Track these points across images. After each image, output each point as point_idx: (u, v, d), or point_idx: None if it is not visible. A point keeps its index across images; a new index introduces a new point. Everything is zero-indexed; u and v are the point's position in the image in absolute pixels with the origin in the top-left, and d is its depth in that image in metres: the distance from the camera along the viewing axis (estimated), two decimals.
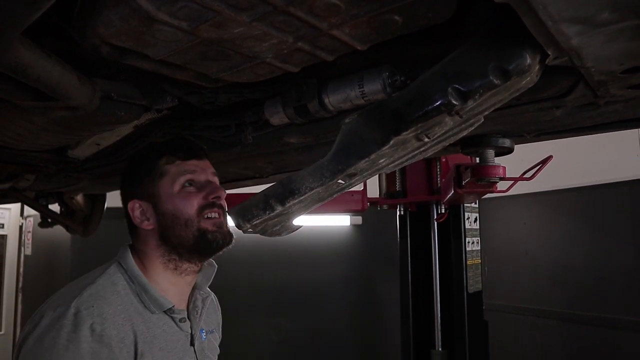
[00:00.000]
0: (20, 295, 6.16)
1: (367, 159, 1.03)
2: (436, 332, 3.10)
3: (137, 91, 1.35)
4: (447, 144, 1.20)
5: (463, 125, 1.12)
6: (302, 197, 1.06)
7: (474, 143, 1.66)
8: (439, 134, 1.09)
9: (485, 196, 3.05)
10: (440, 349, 3.10)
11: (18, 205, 5.95)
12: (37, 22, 0.84)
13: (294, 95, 1.31)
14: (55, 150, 1.80)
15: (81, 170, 2.14)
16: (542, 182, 4.10)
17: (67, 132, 1.42)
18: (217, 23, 0.83)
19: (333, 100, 1.27)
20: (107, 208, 3.37)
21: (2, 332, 6.00)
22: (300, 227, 1.30)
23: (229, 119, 1.54)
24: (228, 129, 1.58)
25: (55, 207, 3.32)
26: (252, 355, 5.22)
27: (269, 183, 1.87)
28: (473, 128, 1.16)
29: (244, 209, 1.09)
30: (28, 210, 6.04)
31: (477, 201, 3.11)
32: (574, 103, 1.29)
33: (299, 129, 1.46)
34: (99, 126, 1.40)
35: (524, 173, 2.11)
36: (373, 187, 3.18)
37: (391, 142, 1.02)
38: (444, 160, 2.95)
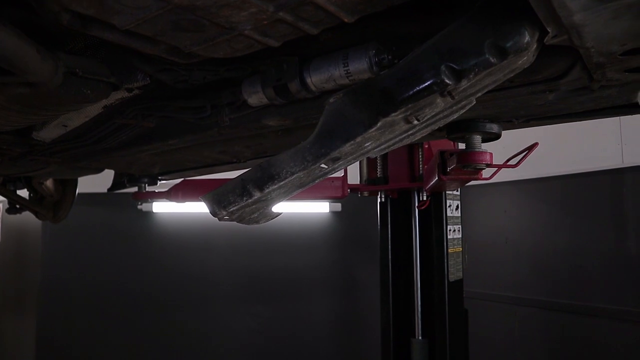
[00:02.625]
0: None
1: (352, 142, 0.96)
2: (416, 320, 3.07)
3: (105, 68, 1.25)
4: (436, 128, 1.14)
5: (454, 107, 1.06)
6: (282, 183, 0.99)
7: (460, 128, 1.60)
8: (429, 116, 1.03)
9: (467, 184, 3.01)
10: (420, 337, 3.07)
11: None
12: None
13: (273, 74, 1.23)
14: (18, 131, 1.69)
15: (48, 154, 2.03)
16: (523, 170, 4.07)
17: (28, 111, 1.32)
18: None
19: (315, 79, 1.19)
20: (78, 193, 3.26)
21: None
22: (280, 214, 1.22)
23: (205, 100, 1.45)
24: (203, 110, 1.49)
25: (24, 193, 3.20)
26: (230, 342, 5.16)
27: (247, 168, 1.79)
28: (464, 111, 1.09)
29: (220, 195, 1.01)
30: None
31: (459, 189, 3.06)
32: (568, 86, 1.24)
33: (278, 110, 1.38)
34: (64, 105, 1.30)
35: (508, 160, 2.06)
36: (353, 174, 3.12)
37: (379, 124, 0.95)
38: (426, 146, 2.89)
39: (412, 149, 2.97)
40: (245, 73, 1.27)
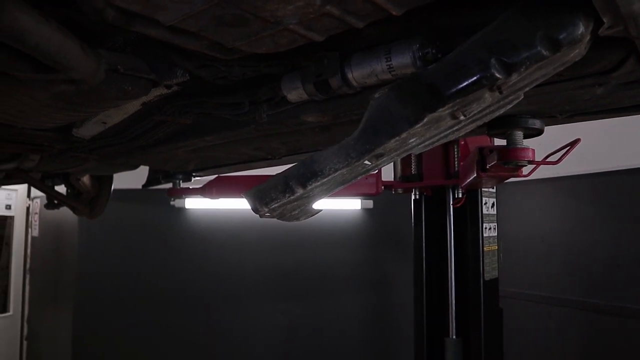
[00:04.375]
0: (27, 276, 6.15)
1: (397, 137, 0.94)
2: (450, 319, 3.03)
3: (145, 64, 1.25)
4: (481, 124, 1.11)
5: (501, 102, 1.02)
6: (325, 179, 0.97)
7: (502, 124, 1.56)
8: (475, 112, 0.99)
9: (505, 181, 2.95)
10: (454, 337, 3.03)
11: (25, 186, 5.90)
12: None
13: (314, 70, 1.21)
14: (59, 128, 1.71)
15: (87, 151, 2.05)
16: (560, 168, 3.98)
17: (70, 108, 1.33)
18: None
19: (357, 74, 1.17)
20: (114, 189, 3.31)
21: (10, 313, 6.00)
22: (320, 211, 1.21)
23: (243, 96, 1.44)
24: (241, 106, 1.48)
25: (62, 189, 3.26)
26: (260, 339, 5.18)
27: (282, 165, 1.78)
28: (511, 106, 1.06)
29: (262, 191, 1.00)
30: (35, 191, 5.99)
31: (495, 186, 3.01)
32: (619, 80, 1.19)
33: (318, 106, 1.36)
34: (104, 102, 1.31)
35: (547, 156, 2.01)
36: (387, 170, 3.09)
37: (425, 120, 0.92)
38: (462, 142, 2.85)
39: (447, 145, 2.92)
40: (285, 69, 1.26)
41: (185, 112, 1.60)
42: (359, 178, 1.11)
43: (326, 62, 1.19)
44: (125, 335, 5.08)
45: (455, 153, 2.89)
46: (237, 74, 1.25)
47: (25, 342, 6.05)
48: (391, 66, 1.12)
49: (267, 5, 0.81)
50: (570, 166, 3.87)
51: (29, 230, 6.20)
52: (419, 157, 3.00)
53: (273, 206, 1.01)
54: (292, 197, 1.00)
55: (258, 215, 1.09)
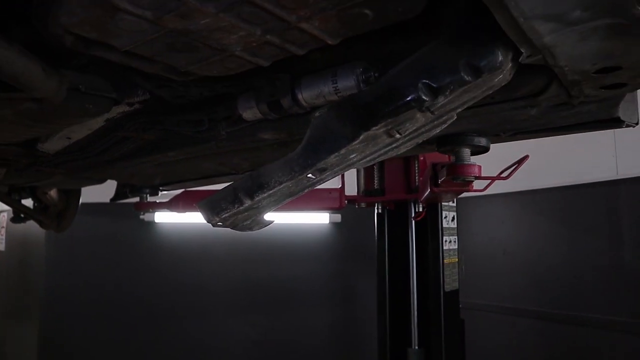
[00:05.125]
0: None
1: (337, 153, 1.02)
2: (413, 330, 3.11)
3: (106, 84, 1.31)
4: (420, 141, 1.19)
5: (435, 122, 1.11)
6: (271, 191, 1.05)
7: (449, 141, 1.66)
8: (410, 130, 1.08)
9: (464, 195, 3.06)
10: (416, 347, 3.11)
11: None
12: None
13: (267, 91, 1.29)
14: (24, 143, 1.75)
15: (52, 165, 2.09)
16: (520, 182, 4.14)
17: (33, 125, 1.38)
18: (183, 13, 0.81)
19: (306, 96, 1.25)
20: (82, 203, 3.32)
21: None
22: (272, 222, 1.28)
23: (202, 114, 1.51)
24: (201, 124, 1.55)
25: (29, 202, 3.26)
26: (229, 351, 5.19)
27: None
28: (446, 125, 1.15)
29: (213, 202, 1.07)
30: (1, 205, 5.91)
31: (455, 200, 3.12)
32: (548, 102, 1.29)
33: (272, 124, 1.44)
34: (67, 119, 1.37)
35: (501, 172, 2.11)
36: (351, 185, 3.18)
37: (361, 137, 1.00)
38: (421, 158, 2.95)
39: (408, 161, 3.03)
40: (241, 89, 1.33)
41: (148, 128, 1.66)
42: (306, 190, 1.18)
43: (278, 83, 1.27)
44: (92, 348, 5.05)
45: (416, 168, 2.99)
46: (194, 94, 1.32)
47: None
48: (337, 88, 1.21)
49: (213, 34, 0.89)
50: (532, 181, 4.02)
51: None
52: (381, 172, 3.10)
53: (224, 216, 1.08)
54: (241, 208, 1.06)
55: (211, 225, 1.16)
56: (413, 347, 3.11)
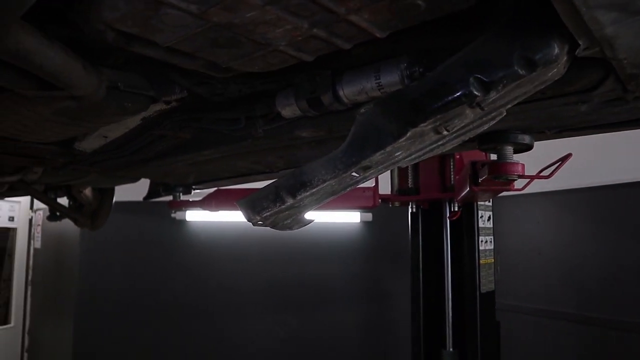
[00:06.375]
0: (29, 288, 6.18)
1: (382, 151, 0.98)
2: (447, 331, 3.06)
3: (144, 81, 1.30)
4: (467, 138, 1.15)
5: (484, 119, 1.07)
6: (314, 190, 1.02)
7: (492, 139, 1.61)
8: (458, 127, 1.04)
9: (499, 195, 3.00)
10: (451, 349, 3.05)
11: (28, 198, 5.96)
12: (39, 8, 0.80)
13: (307, 87, 1.27)
14: (62, 142, 1.76)
15: (89, 164, 2.10)
16: (556, 181, 4.03)
17: (72, 124, 1.38)
18: (228, 6, 0.78)
19: (348, 92, 1.22)
20: (115, 202, 3.35)
21: (11, 325, 6.03)
22: (312, 221, 1.25)
23: (239, 112, 1.49)
24: (238, 121, 1.53)
25: (64, 201, 3.31)
26: (258, 350, 5.20)
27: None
28: (494, 122, 1.10)
29: (254, 200, 1.05)
30: (38, 203, 6.05)
31: (491, 199, 3.05)
32: (601, 98, 1.24)
33: (311, 122, 1.41)
34: (105, 117, 1.36)
35: (541, 171, 2.05)
36: (385, 183, 3.13)
37: (408, 134, 0.96)
38: (457, 157, 2.89)
39: (443, 159, 2.97)
40: (280, 86, 1.31)
41: (184, 126, 1.65)
42: (348, 189, 1.15)
43: (318, 79, 1.24)
44: (125, 346, 5.10)
45: (452, 167, 2.93)
46: (233, 91, 1.30)
47: (26, 354, 6.07)
48: (380, 84, 1.17)
49: (258, 28, 0.86)
50: (567, 180, 3.92)
51: (32, 242, 6.24)
52: (416, 170, 3.05)
53: (265, 215, 1.06)
54: (282, 207, 1.04)
55: (252, 224, 1.13)
56: (447, 348, 3.05)
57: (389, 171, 3.22)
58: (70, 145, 1.79)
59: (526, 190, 2.22)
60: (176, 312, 5.15)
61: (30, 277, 6.19)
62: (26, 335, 6.11)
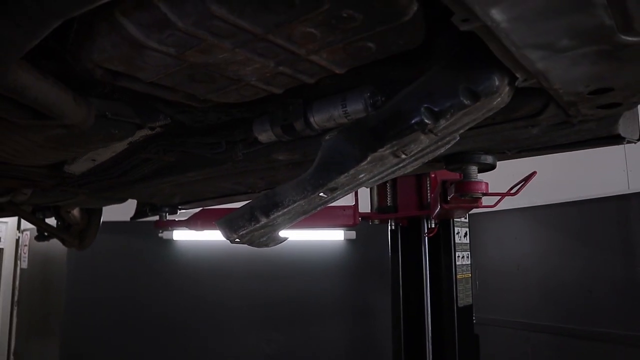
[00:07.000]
0: (15, 308, 6.17)
1: (346, 174, 1.09)
2: (427, 345, 3.13)
3: (130, 110, 1.40)
4: (426, 161, 1.26)
5: (439, 143, 1.18)
6: (285, 210, 1.12)
7: (457, 160, 1.72)
8: (415, 151, 1.15)
9: (476, 211, 3.10)
10: None
11: (15, 219, 5.99)
12: (35, 46, 0.90)
13: (280, 115, 1.37)
14: (51, 165, 1.85)
15: (77, 185, 2.18)
16: (532, 197, 4.17)
17: (62, 149, 1.47)
18: (203, 49, 0.89)
19: (318, 119, 1.33)
20: (103, 222, 3.41)
21: None
22: (287, 239, 1.35)
23: (220, 137, 1.60)
24: (219, 146, 1.63)
25: (52, 221, 3.36)
26: None
27: None
28: (449, 145, 1.21)
29: (231, 220, 1.15)
30: (25, 224, 6.08)
31: (467, 216, 3.16)
32: (547, 122, 1.35)
33: (286, 146, 1.51)
34: (94, 143, 1.46)
35: (510, 189, 2.16)
36: (365, 202, 3.24)
37: (369, 158, 1.07)
38: (433, 175, 3.00)
39: (420, 178, 3.08)
40: (256, 114, 1.42)
41: (168, 150, 1.75)
42: (318, 208, 1.26)
43: (291, 108, 1.35)
44: None
45: (428, 185, 3.05)
46: (212, 118, 1.41)
47: None
48: (347, 112, 1.28)
49: (230, 67, 0.97)
50: (544, 196, 4.05)
51: (18, 262, 6.25)
52: (394, 189, 3.15)
53: (241, 233, 1.16)
54: (257, 225, 1.14)
55: (229, 242, 1.23)
56: None
57: (368, 190, 3.33)
58: (59, 168, 1.88)
59: (503, 207, 2.32)
60: (164, 331, 5.18)
61: (16, 298, 6.19)
62: (11, 357, 6.09)
